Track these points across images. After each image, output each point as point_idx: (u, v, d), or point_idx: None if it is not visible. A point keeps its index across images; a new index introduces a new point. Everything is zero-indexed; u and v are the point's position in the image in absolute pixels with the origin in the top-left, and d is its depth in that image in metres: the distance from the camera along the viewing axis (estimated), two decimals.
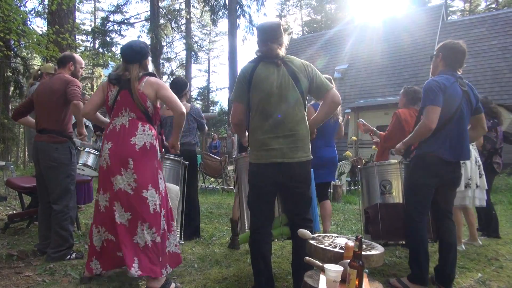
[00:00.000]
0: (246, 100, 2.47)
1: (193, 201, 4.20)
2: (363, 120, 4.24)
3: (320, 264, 1.88)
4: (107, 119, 2.91)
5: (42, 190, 3.35)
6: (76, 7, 13.55)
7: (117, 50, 18.56)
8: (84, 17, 29.84)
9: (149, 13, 19.71)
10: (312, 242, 2.10)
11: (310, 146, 2.47)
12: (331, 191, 7.76)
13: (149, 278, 2.49)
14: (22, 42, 8.66)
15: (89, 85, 25.68)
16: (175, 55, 28.93)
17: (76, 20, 11.50)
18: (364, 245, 2.10)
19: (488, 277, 3.09)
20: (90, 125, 5.11)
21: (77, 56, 3.51)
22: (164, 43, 21.98)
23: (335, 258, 1.91)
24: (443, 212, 2.85)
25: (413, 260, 2.75)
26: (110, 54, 15.94)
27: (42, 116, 3.28)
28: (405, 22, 17.11)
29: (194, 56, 24.48)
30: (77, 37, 11.74)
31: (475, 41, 14.99)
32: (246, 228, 2.92)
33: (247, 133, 2.70)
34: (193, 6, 23.61)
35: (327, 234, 2.37)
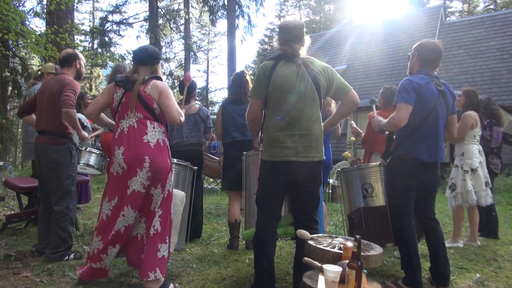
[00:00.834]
0: (264, 97, 2.46)
1: (197, 201, 4.20)
2: (353, 123, 4.32)
3: (319, 264, 1.88)
4: (111, 121, 2.91)
5: (43, 191, 3.34)
6: (75, 7, 13.54)
7: (115, 50, 18.57)
8: (82, 17, 29.69)
9: (148, 13, 19.67)
10: (311, 242, 2.10)
11: (323, 147, 2.47)
12: (330, 191, 7.77)
13: (147, 279, 2.48)
14: (21, 42, 8.65)
15: (87, 85, 25.65)
16: (174, 55, 28.95)
17: (75, 20, 11.48)
18: (362, 245, 2.10)
19: (486, 278, 3.09)
20: (89, 125, 5.10)
21: (79, 53, 3.49)
22: (163, 43, 21.97)
23: (334, 258, 1.91)
24: (425, 214, 2.85)
25: (405, 264, 2.73)
26: (108, 54, 15.93)
27: (42, 117, 3.26)
28: (404, 23, 17.14)
29: (193, 56, 24.44)
30: (75, 37, 11.71)
31: (473, 42, 15.02)
32: (252, 225, 2.92)
33: (260, 133, 2.71)
34: (192, 6, 23.61)
35: (326, 235, 2.37)
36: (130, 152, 2.50)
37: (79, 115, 3.60)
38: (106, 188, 2.70)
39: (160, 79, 2.71)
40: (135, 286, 2.70)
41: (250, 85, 3.93)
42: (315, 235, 2.31)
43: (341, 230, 4.85)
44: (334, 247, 2.02)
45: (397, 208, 2.77)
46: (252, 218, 2.95)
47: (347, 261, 1.71)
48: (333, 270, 1.69)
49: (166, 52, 25.46)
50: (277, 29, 2.62)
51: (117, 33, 20.33)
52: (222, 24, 58.46)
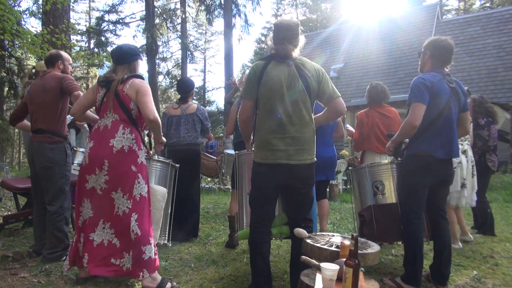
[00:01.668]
0: (255, 98, 2.45)
1: (194, 201, 4.20)
2: (349, 126, 4.32)
3: (317, 263, 1.88)
4: (97, 116, 2.93)
5: (37, 191, 3.33)
6: (71, 7, 13.48)
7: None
8: (79, 16, 29.59)
9: (144, 12, 19.58)
10: (308, 241, 2.11)
11: (315, 149, 2.47)
12: (328, 190, 7.78)
13: (144, 278, 2.50)
14: (17, 42, 8.61)
15: (84, 85, 25.57)
16: (171, 55, 28.83)
17: (71, 20, 11.44)
18: (360, 243, 2.11)
19: (483, 275, 3.11)
20: (86, 125, 5.08)
21: (63, 53, 3.50)
22: (159, 43, 21.85)
23: (331, 256, 1.91)
24: (437, 210, 2.85)
25: (408, 261, 2.74)
26: (105, 54, 15.85)
27: (37, 116, 3.25)
28: (400, 21, 17.15)
29: (190, 55, 24.35)
30: (71, 37, 11.67)
31: (469, 40, 15.07)
32: (245, 225, 2.93)
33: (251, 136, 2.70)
34: (188, 5, 23.54)
35: (324, 233, 2.37)
36: (94, 150, 2.58)
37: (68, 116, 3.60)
38: (77, 178, 2.75)
39: (140, 77, 2.72)
40: (132, 286, 2.70)
41: None
42: (312, 233, 2.32)
43: (339, 229, 4.86)
44: (331, 245, 2.03)
45: (408, 206, 2.77)
46: (246, 218, 2.95)
47: (345, 259, 1.71)
48: (330, 268, 1.70)
49: (163, 52, 25.35)
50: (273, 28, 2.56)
51: (114, 32, 20.25)
52: (219, 23, 58.38)
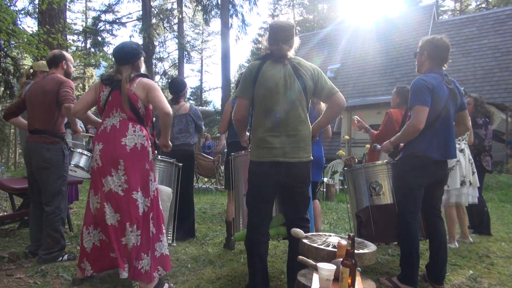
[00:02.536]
0: (251, 97, 2.46)
1: (188, 201, 4.19)
2: (357, 117, 4.22)
3: (313, 263, 1.89)
4: (98, 119, 2.90)
5: (33, 191, 3.32)
6: (67, 7, 13.43)
7: (109, 50, 18.43)
8: (75, 16, 29.50)
9: (141, 12, 19.57)
10: (305, 241, 2.11)
11: (311, 147, 2.47)
12: (324, 190, 7.79)
13: (156, 277, 2.51)
14: (12, 42, 8.55)
15: (80, 85, 25.48)
16: (168, 55, 28.81)
17: (67, 20, 11.39)
18: (356, 243, 2.11)
19: (479, 274, 3.12)
20: (82, 125, 5.07)
21: (66, 53, 3.48)
22: (156, 43, 21.81)
23: (328, 256, 1.92)
24: (432, 210, 2.87)
25: (404, 261, 2.75)
26: (101, 53, 15.81)
27: (35, 116, 3.24)
28: (397, 21, 17.22)
29: (187, 55, 24.33)
30: (68, 36, 11.62)
31: (465, 41, 15.15)
32: (241, 227, 2.92)
33: (247, 133, 2.69)
34: (185, 5, 23.50)
35: (320, 233, 2.38)
36: (106, 151, 2.52)
37: None
38: (91, 182, 2.70)
39: (146, 76, 2.72)
40: (129, 286, 2.70)
41: None
42: (309, 233, 2.32)
43: (336, 229, 4.87)
44: (328, 246, 2.03)
45: (404, 206, 2.78)
46: (242, 219, 2.95)
47: (341, 259, 1.71)
48: (327, 268, 1.70)
49: (159, 52, 25.32)
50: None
51: (110, 32, 20.20)
52: (215, 24, 58.31)
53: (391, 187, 3.08)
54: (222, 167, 8.99)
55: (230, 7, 18.21)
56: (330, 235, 2.30)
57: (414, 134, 2.67)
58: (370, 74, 16.43)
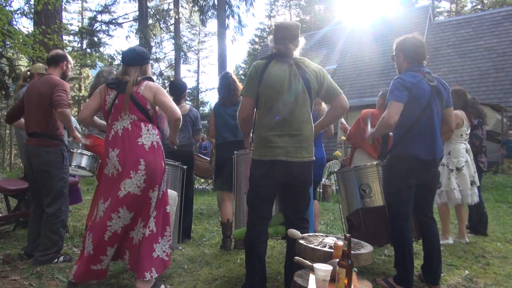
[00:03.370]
0: (256, 95, 2.46)
1: (188, 203, 4.19)
2: (343, 120, 4.32)
3: (310, 263, 1.88)
4: (103, 122, 2.89)
5: (35, 193, 3.30)
6: (63, 7, 13.38)
7: (105, 50, 18.41)
8: (71, 17, 29.50)
9: (137, 13, 19.53)
10: (301, 241, 2.11)
11: (313, 148, 2.48)
12: (321, 190, 7.80)
13: (137, 280, 2.48)
14: (8, 43, 8.51)
15: (76, 85, 25.38)
16: (164, 56, 28.74)
17: (63, 20, 11.36)
18: (353, 244, 2.11)
19: (475, 274, 3.13)
20: (78, 127, 5.05)
21: (69, 55, 3.47)
22: (152, 44, 21.79)
23: (325, 257, 1.92)
24: (423, 211, 2.86)
25: (398, 263, 2.74)
26: (98, 54, 15.77)
27: (32, 119, 3.21)
28: (393, 22, 17.31)
29: (183, 56, 24.30)
30: (64, 37, 11.58)
31: (461, 42, 15.23)
32: (242, 225, 2.92)
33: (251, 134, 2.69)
34: (182, 6, 23.48)
35: (317, 234, 2.38)
36: (125, 154, 2.49)
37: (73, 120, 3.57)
38: (100, 189, 2.68)
39: (152, 79, 2.71)
40: (125, 286, 2.68)
41: (238, 84, 3.95)
42: (306, 234, 2.32)
43: (332, 229, 4.87)
44: (324, 246, 2.03)
45: (395, 208, 2.77)
46: (242, 217, 2.95)
47: (338, 259, 1.71)
48: (323, 269, 1.70)
49: (156, 52, 25.28)
50: (267, 29, 2.58)
51: (106, 33, 20.19)
52: (212, 24, 58.40)
53: (381, 189, 3.08)
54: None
55: (226, 8, 18.19)
56: (327, 236, 2.30)
57: (386, 129, 2.69)
58: (367, 74, 16.49)
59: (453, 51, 14.87)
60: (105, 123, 2.83)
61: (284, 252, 2.98)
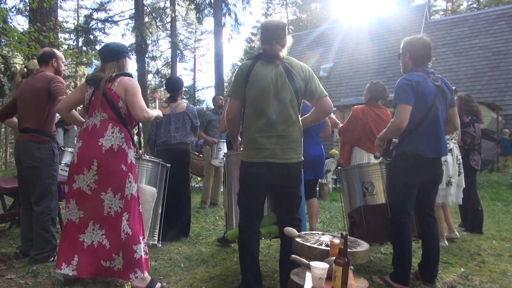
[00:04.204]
0: (242, 97, 2.46)
1: (185, 201, 4.18)
2: (332, 115, 4.29)
3: (306, 261, 1.89)
4: (82, 118, 2.92)
5: (24, 191, 3.28)
6: (59, 5, 13.31)
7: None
8: (67, 14, 29.15)
9: (133, 11, 19.42)
10: (298, 240, 2.11)
11: (302, 148, 2.48)
12: (317, 189, 7.80)
13: (128, 279, 2.49)
14: (3, 41, 8.46)
15: (72, 83, 25.24)
16: (161, 54, 28.63)
17: (59, 18, 11.29)
18: (349, 242, 2.12)
19: (470, 272, 3.15)
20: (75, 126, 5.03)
21: (57, 51, 3.45)
22: (149, 42, 21.66)
23: (321, 255, 1.92)
24: (426, 209, 2.88)
25: (396, 261, 2.76)
26: (93, 52, 15.67)
27: (25, 115, 3.21)
28: (389, 21, 17.32)
29: (180, 54, 24.21)
30: (59, 35, 11.52)
31: (457, 40, 15.28)
32: (234, 225, 2.92)
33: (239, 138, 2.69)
34: (178, 4, 23.36)
35: (313, 232, 2.38)
36: (83, 149, 2.55)
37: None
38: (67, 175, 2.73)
39: (129, 75, 2.70)
40: (121, 286, 2.68)
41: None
42: (302, 232, 2.33)
43: (329, 227, 4.89)
44: (321, 244, 2.04)
45: (397, 206, 2.78)
46: (234, 218, 2.95)
47: (334, 257, 1.72)
48: (320, 267, 1.70)
49: (152, 50, 25.13)
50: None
51: (102, 31, 20.01)
52: (208, 22, 58.04)
53: (384, 188, 3.09)
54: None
55: (223, 6, 18.13)
56: (323, 234, 2.31)
57: (397, 132, 2.70)
58: (363, 73, 16.50)
59: (448, 50, 14.93)
60: (82, 119, 2.86)
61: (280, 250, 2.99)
